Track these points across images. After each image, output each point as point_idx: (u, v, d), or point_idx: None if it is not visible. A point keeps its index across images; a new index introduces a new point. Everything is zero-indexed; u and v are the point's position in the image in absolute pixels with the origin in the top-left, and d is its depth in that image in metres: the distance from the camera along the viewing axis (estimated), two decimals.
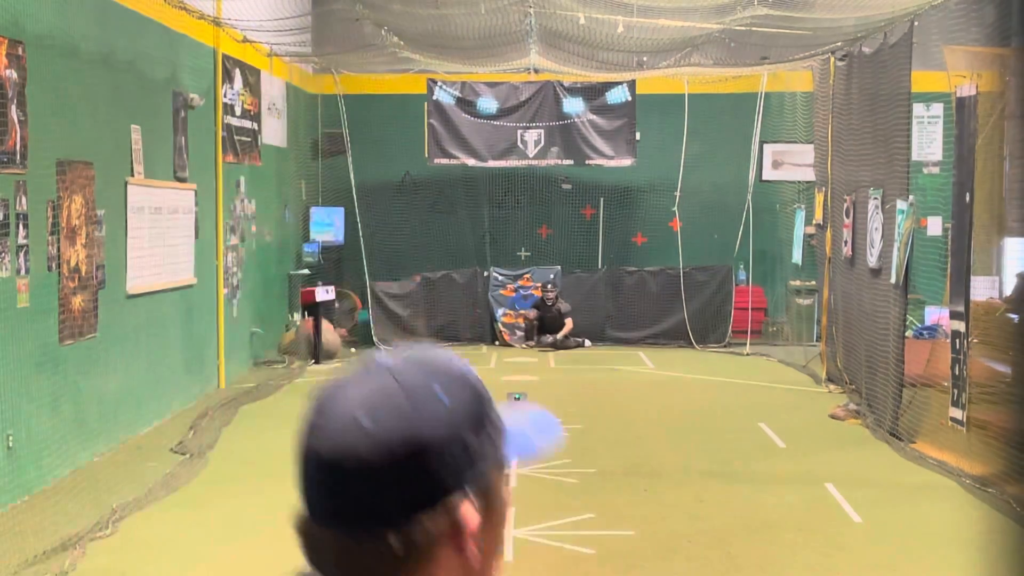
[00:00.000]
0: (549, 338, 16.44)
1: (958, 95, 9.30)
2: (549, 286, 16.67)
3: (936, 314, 12.46)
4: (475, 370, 1.32)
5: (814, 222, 14.63)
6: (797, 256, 15.51)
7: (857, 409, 11.12)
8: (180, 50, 11.46)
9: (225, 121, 12.90)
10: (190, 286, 11.76)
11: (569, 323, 16.50)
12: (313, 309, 14.90)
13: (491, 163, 16.72)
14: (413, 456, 1.23)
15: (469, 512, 1.26)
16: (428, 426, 1.24)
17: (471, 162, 16.64)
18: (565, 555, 6.80)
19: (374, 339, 16.41)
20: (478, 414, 1.28)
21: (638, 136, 16.64)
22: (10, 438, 7.66)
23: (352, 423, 1.23)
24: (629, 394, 12.71)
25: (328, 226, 16.85)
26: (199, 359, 12.07)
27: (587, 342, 16.58)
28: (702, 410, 11.69)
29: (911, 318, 12.02)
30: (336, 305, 16.26)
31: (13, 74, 7.72)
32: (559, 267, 17.07)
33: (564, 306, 16.58)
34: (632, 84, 16.36)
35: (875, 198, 11.22)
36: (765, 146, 16.93)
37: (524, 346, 16.67)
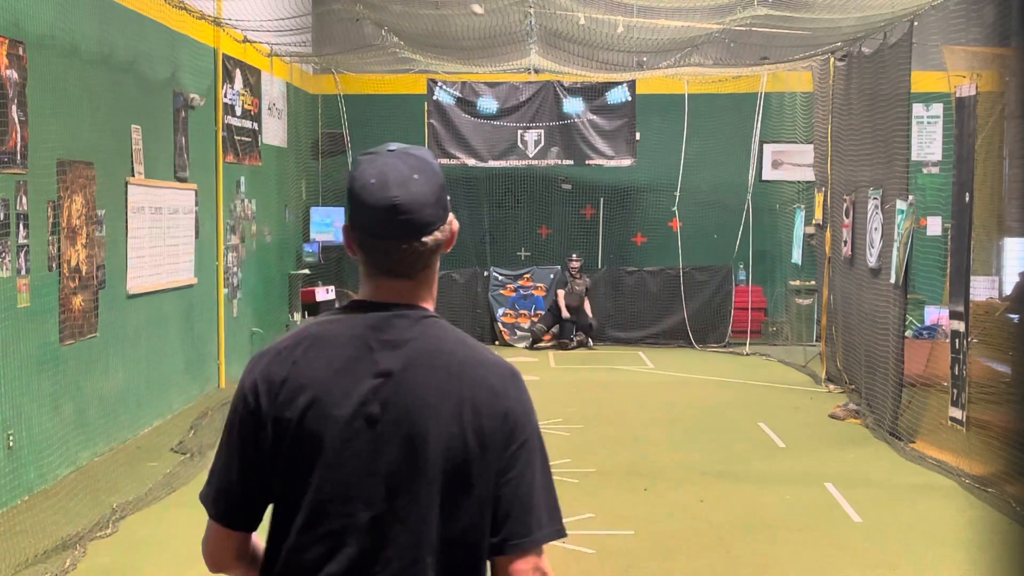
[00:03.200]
0: (574, 341, 16.44)
1: (958, 95, 9.30)
2: (575, 255, 16.68)
3: (936, 314, 12.47)
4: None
5: (814, 222, 14.64)
6: (797, 256, 15.52)
7: (857, 409, 11.12)
8: (180, 50, 11.46)
9: (225, 121, 12.90)
10: (190, 286, 11.77)
11: (588, 306, 16.49)
12: (313, 309, 14.91)
13: (491, 163, 16.72)
14: (441, 193, 2.23)
15: (455, 224, 2.29)
16: (440, 178, 2.25)
17: (471, 162, 16.65)
18: (565, 555, 6.80)
19: None
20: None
21: (638, 136, 16.65)
22: (11, 438, 7.67)
23: (409, 178, 2.19)
24: (629, 394, 12.72)
25: (328, 226, 16.85)
26: (199, 359, 12.08)
27: (590, 341, 16.59)
28: (702, 410, 11.70)
29: (911, 318, 12.02)
30: (336, 305, 16.26)
31: (13, 74, 7.72)
32: (559, 267, 17.07)
33: (586, 280, 16.60)
34: (632, 84, 16.37)
35: (875, 198, 11.23)
36: (765, 146, 16.94)
37: (524, 345, 16.68)
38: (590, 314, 16.52)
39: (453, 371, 2.19)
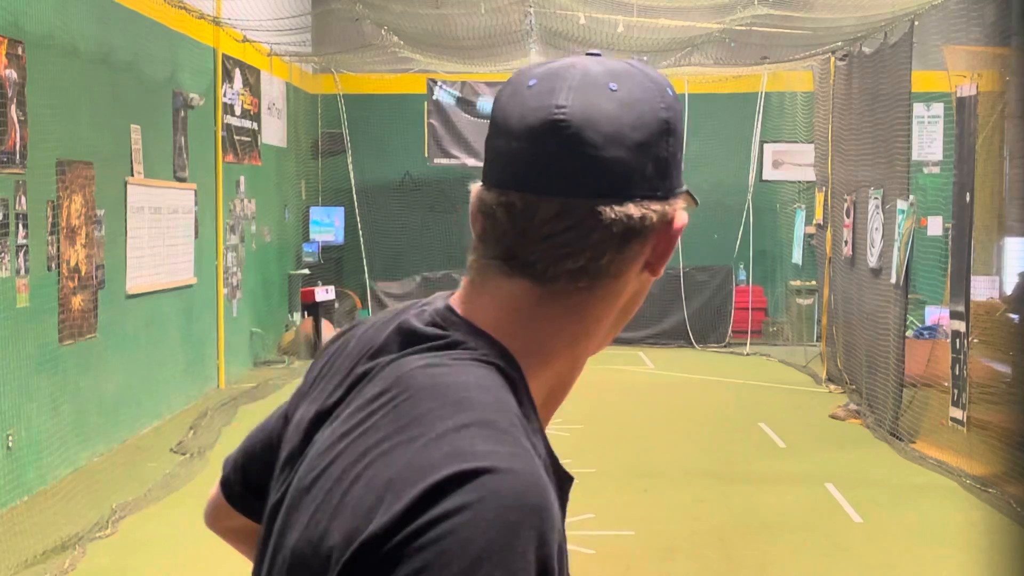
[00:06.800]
0: None
1: (958, 95, 9.29)
2: None
3: (936, 314, 12.46)
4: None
5: (814, 222, 14.63)
6: (797, 256, 15.51)
7: (857, 409, 11.11)
8: (180, 50, 11.45)
9: (225, 121, 12.89)
10: (190, 286, 11.76)
11: None
12: (313, 309, 14.90)
13: None
14: (661, 131, 1.17)
15: (681, 217, 1.19)
16: (668, 111, 1.17)
17: (471, 162, 16.63)
18: None
19: None
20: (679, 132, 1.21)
21: None
22: (10, 438, 7.66)
23: (602, 88, 1.13)
24: (629, 394, 12.71)
25: (328, 226, 16.85)
26: (199, 359, 12.07)
27: None
28: (702, 410, 11.69)
29: (911, 318, 12.01)
30: (336, 305, 16.26)
31: (13, 74, 7.71)
32: None
33: None
34: None
35: (875, 198, 11.22)
36: (765, 146, 16.93)
37: None
38: None
39: None
